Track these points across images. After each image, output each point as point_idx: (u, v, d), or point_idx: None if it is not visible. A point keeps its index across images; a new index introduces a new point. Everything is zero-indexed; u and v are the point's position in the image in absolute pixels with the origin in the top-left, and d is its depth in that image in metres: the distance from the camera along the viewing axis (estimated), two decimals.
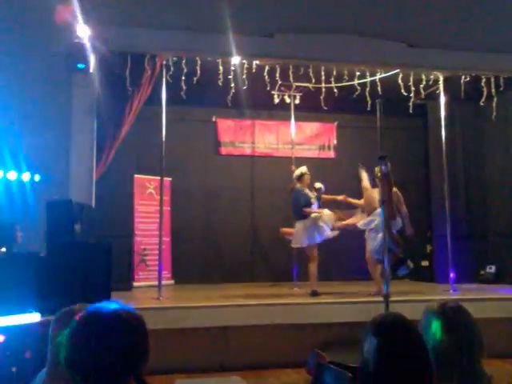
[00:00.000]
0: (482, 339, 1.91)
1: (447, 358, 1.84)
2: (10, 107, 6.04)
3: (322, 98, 7.43)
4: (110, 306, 1.48)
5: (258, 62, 6.84)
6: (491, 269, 8.33)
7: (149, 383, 1.53)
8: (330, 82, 7.27)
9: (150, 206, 8.57)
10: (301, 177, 6.93)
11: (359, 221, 6.70)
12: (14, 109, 6.06)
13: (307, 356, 5.07)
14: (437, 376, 1.74)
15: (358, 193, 7.43)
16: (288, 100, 8.29)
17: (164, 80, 6.77)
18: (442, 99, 7.65)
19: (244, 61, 6.79)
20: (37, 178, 5.82)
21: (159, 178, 7.00)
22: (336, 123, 9.86)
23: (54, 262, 4.82)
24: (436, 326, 1.89)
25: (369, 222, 6.50)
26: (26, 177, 5.72)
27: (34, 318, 3.53)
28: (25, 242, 5.45)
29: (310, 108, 8.51)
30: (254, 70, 6.86)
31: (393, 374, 1.58)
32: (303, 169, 7.01)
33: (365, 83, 7.33)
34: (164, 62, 6.70)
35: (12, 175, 5.63)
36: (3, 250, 4.64)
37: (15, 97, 6.11)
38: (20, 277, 3.90)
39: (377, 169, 7.22)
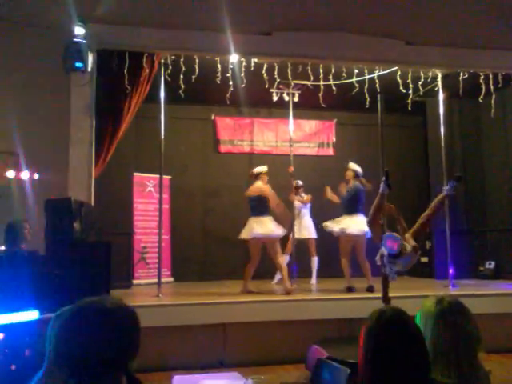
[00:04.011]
0: (480, 334, 1.91)
1: (444, 352, 1.85)
2: (9, 106, 6.03)
3: (320, 95, 7.43)
4: (101, 299, 1.49)
5: (256, 60, 6.83)
6: (490, 265, 8.33)
7: (140, 381, 1.52)
8: (329, 80, 7.27)
9: (149, 204, 8.58)
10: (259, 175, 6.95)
11: None
12: (12, 108, 6.05)
13: (306, 352, 5.09)
14: (434, 370, 1.75)
15: None
16: (287, 98, 8.28)
17: (162, 78, 6.78)
18: (441, 96, 7.65)
19: (242, 59, 6.79)
20: (36, 176, 5.82)
21: (158, 176, 7.00)
22: (335, 121, 9.87)
23: (53, 260, 4.81)
24: (433, 321, 1.90)
25: None
26: (24, 175, 5.72)
27: (34, 315, 3.53)
28: None
29: (308, 106, 8.50)
30: (252, 68, 6.85)
31: (391, 368, 1.59)
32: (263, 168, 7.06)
33: (363, 80, 7.33)
34: (162, 61, 6.71)
35: (11, 173, 5.63)
36: (2, 248, 4.63)
37: (13, 96, 6.10)
38: (19, 275, 3.90)
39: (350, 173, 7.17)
